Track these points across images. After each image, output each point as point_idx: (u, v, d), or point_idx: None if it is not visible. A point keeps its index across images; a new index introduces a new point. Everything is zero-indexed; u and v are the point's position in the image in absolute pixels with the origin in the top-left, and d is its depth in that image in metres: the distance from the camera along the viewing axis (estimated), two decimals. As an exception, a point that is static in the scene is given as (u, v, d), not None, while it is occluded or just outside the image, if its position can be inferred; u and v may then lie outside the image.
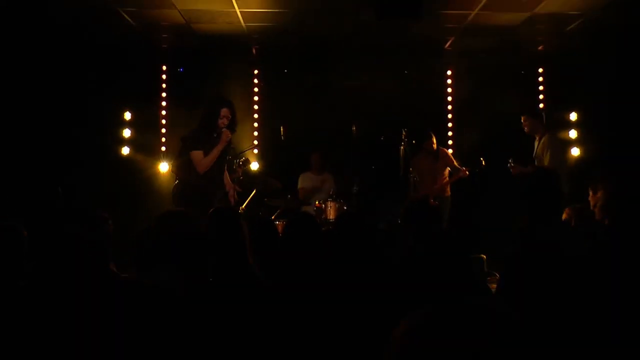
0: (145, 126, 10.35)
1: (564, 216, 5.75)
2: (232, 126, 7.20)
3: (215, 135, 7.04)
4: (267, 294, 3.64)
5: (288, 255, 4.19)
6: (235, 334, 3.29)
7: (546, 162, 8.03)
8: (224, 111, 7.11)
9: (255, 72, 10.54)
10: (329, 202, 8.66)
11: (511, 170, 8.26)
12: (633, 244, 3.94)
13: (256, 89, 10.53)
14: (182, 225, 3.82)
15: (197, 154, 7.00)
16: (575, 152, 9.55)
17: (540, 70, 10.56)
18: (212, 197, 6.74)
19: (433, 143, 9.16)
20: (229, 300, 3.51)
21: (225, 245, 3.89)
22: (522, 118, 8.59)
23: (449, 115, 10.64)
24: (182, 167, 7.31)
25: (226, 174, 7.42)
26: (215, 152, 7.01)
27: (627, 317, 3.07)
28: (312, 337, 3.32)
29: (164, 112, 10.44)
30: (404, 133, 8.52)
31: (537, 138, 8.48)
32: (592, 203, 5.75)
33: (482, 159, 8.96)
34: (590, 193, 6.10)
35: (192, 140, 7.14)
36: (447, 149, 9.86)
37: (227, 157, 7.32)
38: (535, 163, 8.28)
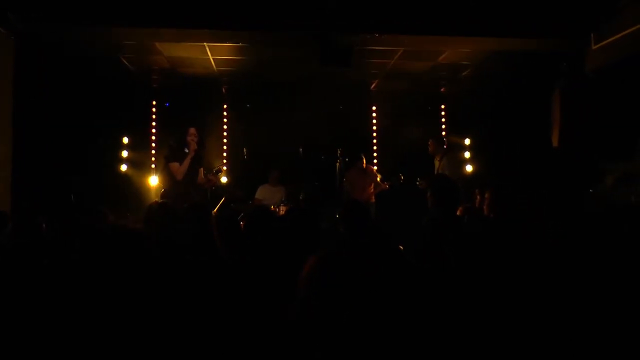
0: (139, 148, 10.28)
1: (459, 212, 5.87)
2: (200, 143, 7.36)
3: (186, 150, 7.15)
4: (228, 267, 3.64)
5: (248, 238, 4.18)
6: (202, 298, 3.26)
7: (445, 176, 8.18)
8: (191, 130, 7.28)
9: (225, 106, 10.52)
10: (281, 206, 8.68)
11: (419, 185, 8.35)
12: (511, 230, 4.13)
13: (225, 120, 10.52)
14: (164, 213, 3.86)
15: (173, 165, 7.14)
16: (469, 168, 9.72)
17: (443, 106, 10.71)
18: (189, 198, 6.75)
19: (363, 162, 9.22)
20: (198, 270, 3.49)
21: (198, 230, 3.89)
22: (429, 142, 8.74)
23: (374, 140, 10.74)
24: (165, 177, 7.41)
25: (201, 175, 7.47)
26: (186, 162, 7.12)
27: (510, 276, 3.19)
28: (263, 298, 3.32)
29: (153, 137, 10.37)
30: (339, 152, 8.59)
31: (438, 158, 8.62)
32: (477, 204, 5.95)
33: (400, 175, 9.03)
34: (478, 197, 6.30)
35: (169, 156, 7.27)
36: (373, 167, 9.95)
37: (197, 167, 7.36)
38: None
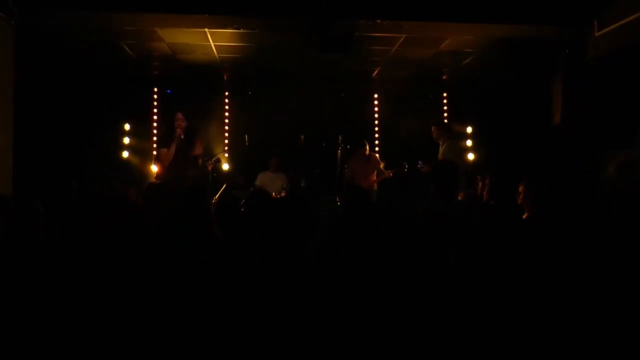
0: (140, 135, 10.30)
1: (460, 197, 5.84)
2: (188, 127, 7.40)
3: (174, 136, 7.17)
4: (223, 248, 3.63)
5: (247, 220, 4.16)
6: (196, 277, 3.24)
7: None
8: (179, 115, 7.32)
9: (226, 93, 10.50)
10: (282, 194, 8.68)
11: (421, 169, 8.33)
12: (510, 216, 4.13)
13: (227, 107, 10.51)
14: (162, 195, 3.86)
15: (161, 151, 7.18)
16: (470, 156, 9.69)
17: (445, 94, 10.68)
18: (178, 183, 6.76)
19: (366, 150, 9.19)
20: (195, 257, 3.48)
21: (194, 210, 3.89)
22: (432, 128, 8.72)
23: (376, 128, 10.71)
24: (158, 163, 7.52)
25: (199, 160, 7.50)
26: (172, 148, 7.13)
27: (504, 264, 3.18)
28: (256, 280, 3.29)
29: (155, 124, 10.37)
30: (340, 139, 8.58)
31: (441, 144, 8.61)
32: (479, 190, 5.94)
33: (405, 164, 8.97)
34: (480, 183, 6.30)
35: (158, 142, 7.33)
36: (376, 154, 9.90)
37: (188, 152, 7.36)
38: (439, 163, 8.37)
